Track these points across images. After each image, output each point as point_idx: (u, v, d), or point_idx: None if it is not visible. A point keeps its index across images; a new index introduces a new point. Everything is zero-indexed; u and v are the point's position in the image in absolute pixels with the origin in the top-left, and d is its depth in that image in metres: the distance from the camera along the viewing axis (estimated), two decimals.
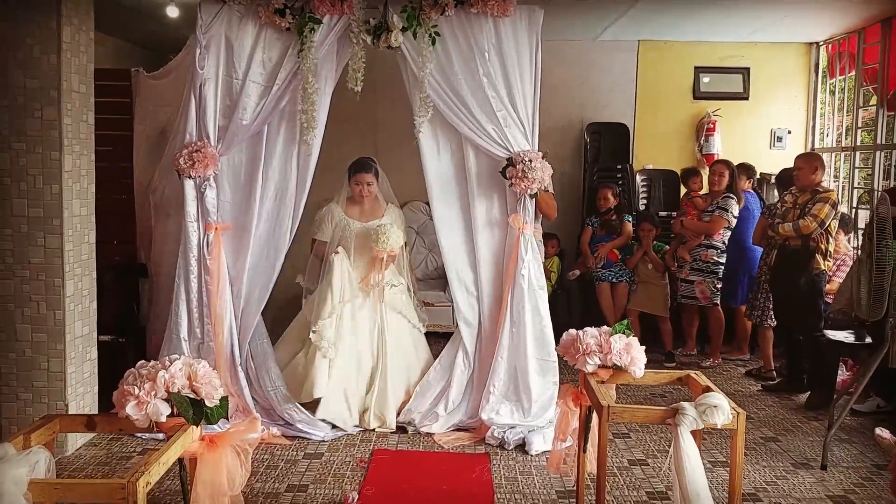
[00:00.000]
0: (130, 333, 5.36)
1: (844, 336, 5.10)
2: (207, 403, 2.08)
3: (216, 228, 4.62)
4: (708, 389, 2.41)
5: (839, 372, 5.36)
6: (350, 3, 4.41)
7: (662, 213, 7.21)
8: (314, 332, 4.65)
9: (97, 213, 4.58)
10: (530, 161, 4.50)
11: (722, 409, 2.24)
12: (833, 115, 7.57)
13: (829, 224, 5.41)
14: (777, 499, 3.82)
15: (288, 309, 6.14)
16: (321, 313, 4.67)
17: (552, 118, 7.13)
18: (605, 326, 2.70)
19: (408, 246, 5.28)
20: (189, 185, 4.57)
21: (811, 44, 7.71)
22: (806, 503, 3.79)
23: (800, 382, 5.54)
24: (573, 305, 7.14)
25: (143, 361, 2.13)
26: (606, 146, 7.57)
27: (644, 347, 2.96)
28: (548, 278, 6.70)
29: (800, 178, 5.54)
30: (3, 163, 4.15)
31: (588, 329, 2.67)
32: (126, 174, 5.74)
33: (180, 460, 2.09)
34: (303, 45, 4.42)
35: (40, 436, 2.00)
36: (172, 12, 6.24)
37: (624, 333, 2.64)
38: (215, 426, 2.27)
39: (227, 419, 2.23)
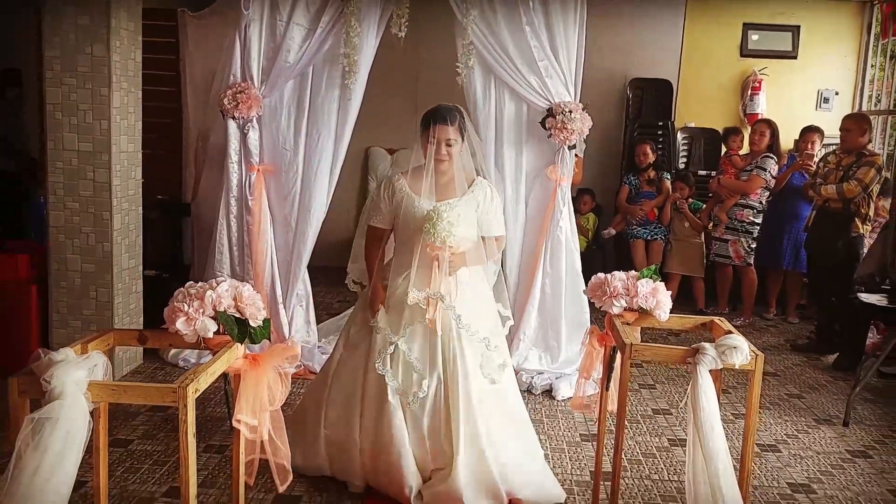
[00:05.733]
0: (173, 270, 5.56)
1: (877, 299, 5.09)
2: (251, 324, 2.24)
3: (258, 170, 4.77)
4: (730, 333, 2.50)
5: (870, 334, 5.39)
6: None
7: (702, 172, 7.23)
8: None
9: (143, 153, 4.74)
10: (570, 112, 4.56)
11: (740, 351, 2.34)
12: (891, 77, 7.42)
13: (872, 188, 5.41)
14: (797, 451, 3.94)
15: (332, 255, 6.37)
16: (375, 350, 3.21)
17: (595, 72, 7.02)
18: (632, 271, 2.79)
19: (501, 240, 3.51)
20: (232, 126, 4.71)
21: (865, 2, 7.57)
22: (824, 456, 3.90)
23: (830, 343, 5.59)
24: (608, 262, 7.22)
25: (192, 282, 2.28)
26: (649, 102, 7.57)
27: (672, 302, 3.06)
28: (584, 234, 6.81)
29: (847, 140, 5.52)
30: (55, 97, 4.33)
31: (616, 273, 2.77)
32: (171, 114, 5.90)
33: (225, 375, 2.26)
34: None
35: (96, 346, 2.18)
36: None
37: (651, 279, 2.73)
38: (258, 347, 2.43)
39: (269, 340, 2.38)
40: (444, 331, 3.13)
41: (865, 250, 5.55)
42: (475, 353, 3.16)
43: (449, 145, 3.20)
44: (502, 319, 3.47)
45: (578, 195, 6.77)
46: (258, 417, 2.28)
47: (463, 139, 3.26)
